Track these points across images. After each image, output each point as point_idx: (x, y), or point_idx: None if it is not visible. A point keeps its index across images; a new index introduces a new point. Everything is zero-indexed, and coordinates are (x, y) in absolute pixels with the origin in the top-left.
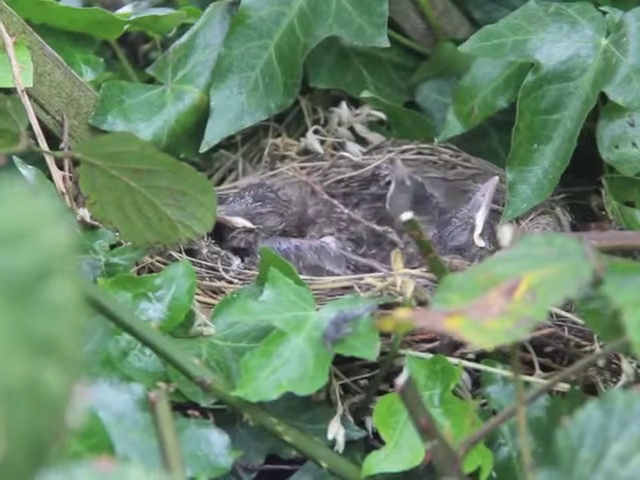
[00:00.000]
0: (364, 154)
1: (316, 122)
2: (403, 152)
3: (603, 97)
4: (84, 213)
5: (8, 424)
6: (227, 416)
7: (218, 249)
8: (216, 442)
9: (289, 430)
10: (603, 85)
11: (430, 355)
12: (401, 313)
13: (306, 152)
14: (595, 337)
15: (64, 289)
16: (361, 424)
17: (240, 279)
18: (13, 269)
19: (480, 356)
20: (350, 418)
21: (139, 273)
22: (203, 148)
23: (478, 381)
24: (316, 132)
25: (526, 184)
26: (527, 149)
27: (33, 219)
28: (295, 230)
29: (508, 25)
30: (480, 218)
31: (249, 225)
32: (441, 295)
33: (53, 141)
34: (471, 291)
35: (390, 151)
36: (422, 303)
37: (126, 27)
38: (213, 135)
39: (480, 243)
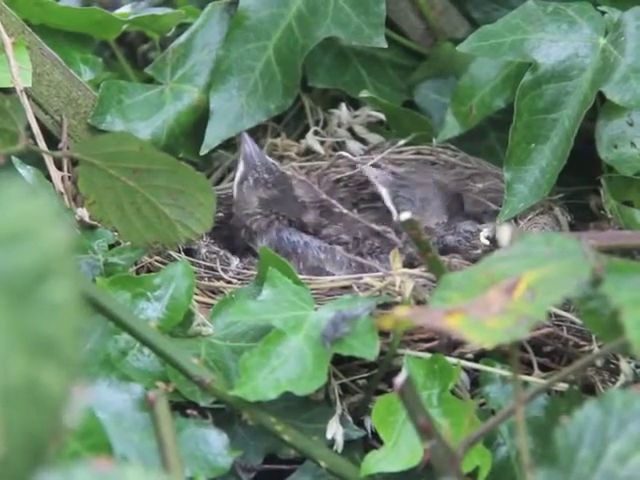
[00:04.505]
0: (363, 154)
1: (315, 123)
2: (401, 152)
3: (602, 97)
4: (83, 213)
5: (7, 424)
6: (226, 416)
7: (217, 249)
8: (215, 442)
9: (288, 429)
10: (601, 84)
11: (429, 355)
12: (400, 311)
13: (306, 152)
14: (594, 337)
15: (63, 289)
16: (360, 424)
17: (239, 279)
18: (13, 269)
19: (479, 356)
20: (349, 418)
21: (138, 273)
22: (203, 151)
23: (477, 381)
24: (315, 133)
25: (523, 183)
26: (524, 148)
27: (33, 219)
28: (311, 227)
29: (506, 25)
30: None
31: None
32: (440, 293)
33: (52, 141)
34: (470, 290)
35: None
36: (421, 303)
37: (125, 27)
38: (213, 137)
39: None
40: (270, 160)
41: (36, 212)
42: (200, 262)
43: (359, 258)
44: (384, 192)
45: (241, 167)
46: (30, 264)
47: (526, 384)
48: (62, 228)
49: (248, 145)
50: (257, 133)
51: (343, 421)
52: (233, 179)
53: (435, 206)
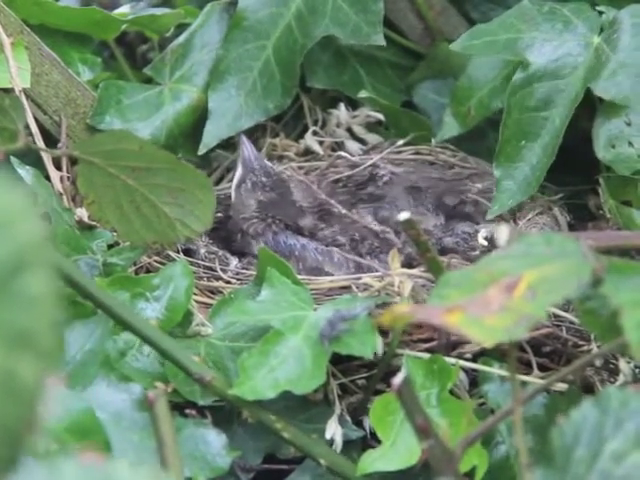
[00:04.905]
0: (362, 154)
1: (314, 123)
2: (400, 152)
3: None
4: (82, 213)
5: None
6: (225, 416)
7: (216, 249)
8: (214, 442)
9: (287, 427)
10: (591, 82)
11: (428, 355)
12: (399, 307)
13: (305, 152)
14: (593, 337)
15: (39, 282)
16: (359, 424)
17: (238, 279)
18: None
19: (477, 355)
20: (348, 418)
21: (137, 273)
22: (202, 150)
23: (475, 380)
24: (314, 133)
25: (512, 180)
26: (515, 146)
27: (9, 211)
28: (307, 231)
29: (501, 23)
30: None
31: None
32: (439, 291)
33: (51, 142)
34: (470, 287)
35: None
36: (419, 303)
37: (124, 27)
38: (212, 137)
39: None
40: (268, 164)
41: (11, 204)
42: (199, 262)
43: (357, 258)
44: (372, 222)
45: (239, 170)
46: (6, 256)
47: (525, 384)
48: (38, 220)
49: (246, 148)
50: (256, 133)
51: (342, 421)
52: (232, 180)
53: (402, 205)
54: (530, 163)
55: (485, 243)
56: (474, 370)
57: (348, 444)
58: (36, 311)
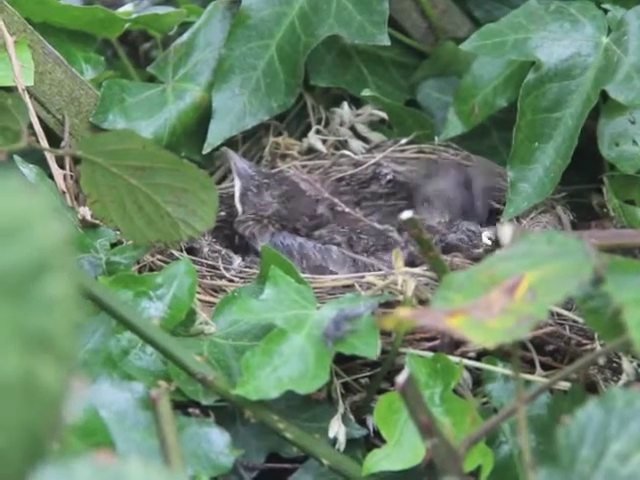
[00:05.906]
0: (365, 153)
1: (318, 121)
2: (403, 151)
3: (604, 95)
4: (85, 211)
5: (3, 419)
6: (228, 414)
7: (219, 247)
8: (217, 441)
9: (290, 427)
10: (604, 83)
11: (431, 353)
12: (402, 312)
13: (308, 151)
14: (596, 336)
15: (60, 284)
16: (362, 422)
17: (241, 277)
18: (9, 264)
19: (481, 354)
20: (351, 416)
21: (140, 272)
22: (206, 149)
23: (479, 379)
24: (317, 132)
25: (527, 182)
26: (528, 147)
27: (29, 213)
28: (305, 230)
29: (509, 23)
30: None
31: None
32: (442, 294)
33: (54, 141)
34: (472, 290)
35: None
36: (423, 302)
37: (127, 25)
38: (216, 136)
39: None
40: (261, 168)
41: (32, 207)
42: (202, 261)
43: (356, 255)
44: (375, 221)
45: (237, 182)
46: (26, 259)
47: (528, 383)
48: (58, 222)
49: (236, 160)
50: (259, 132)
51: (345, 420)
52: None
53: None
54: (544, 165)
55: (489, 243)
56: (478, 369)
57: (351, 443)
58: (57, 314)
